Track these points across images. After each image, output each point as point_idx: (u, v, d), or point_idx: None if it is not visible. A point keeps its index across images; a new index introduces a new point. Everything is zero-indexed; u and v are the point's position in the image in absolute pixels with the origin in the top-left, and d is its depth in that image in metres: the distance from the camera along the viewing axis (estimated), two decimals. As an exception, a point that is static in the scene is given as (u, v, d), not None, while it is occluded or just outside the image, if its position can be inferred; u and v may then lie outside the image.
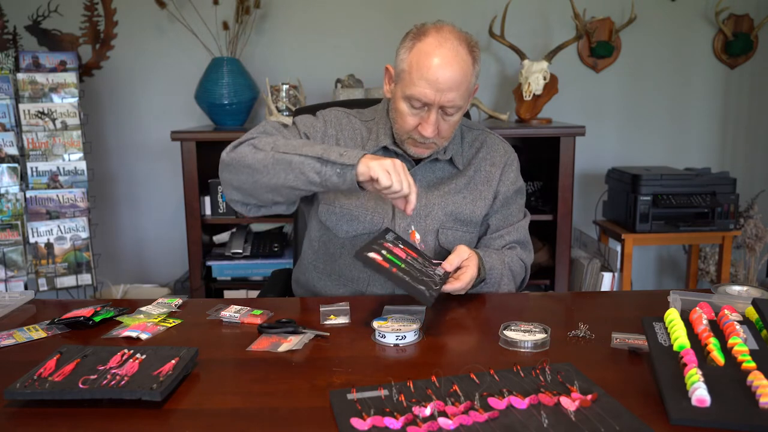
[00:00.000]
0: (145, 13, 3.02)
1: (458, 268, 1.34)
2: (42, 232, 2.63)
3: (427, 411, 0.85)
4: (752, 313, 1.09)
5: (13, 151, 2.60)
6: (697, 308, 1.10)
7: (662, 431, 0.83)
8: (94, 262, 2.73)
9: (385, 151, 1.49)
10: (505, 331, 1.14)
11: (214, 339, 1.19)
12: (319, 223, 1.52)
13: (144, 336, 1.18)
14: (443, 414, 0.85)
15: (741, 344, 0.96)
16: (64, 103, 2.67)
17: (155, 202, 3.20)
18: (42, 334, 1.20)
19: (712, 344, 0.97)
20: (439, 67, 1.32)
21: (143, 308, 1.32)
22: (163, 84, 3.09)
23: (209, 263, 2.76)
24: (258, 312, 1.28)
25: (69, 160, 2.67)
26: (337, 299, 1.37)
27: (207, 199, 2.73)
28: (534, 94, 2.76)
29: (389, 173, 1.20)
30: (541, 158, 2.78)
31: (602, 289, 2.61)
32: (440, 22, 1.38)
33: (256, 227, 2.99)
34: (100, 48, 3.07)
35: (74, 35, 3.07)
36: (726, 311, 1.07)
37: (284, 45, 3.07)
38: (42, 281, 2.64)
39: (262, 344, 1.14)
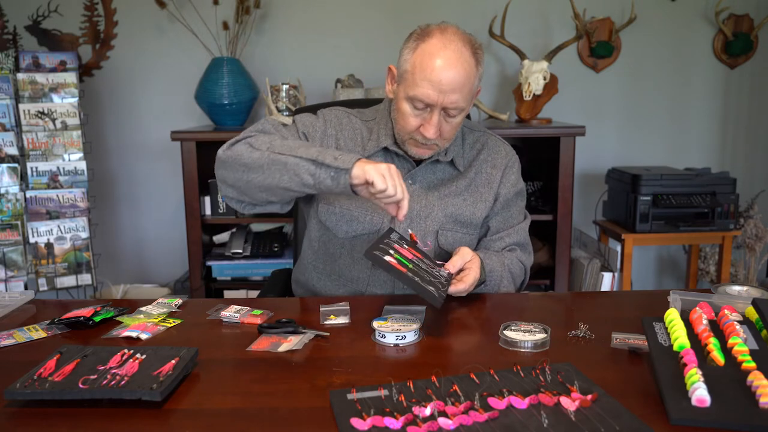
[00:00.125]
0: (145, 13, 3.02)
1: (460, 270, 1.34)
2: (42, 232, 2.63)
3: (427, 411, 0.85)
4: (752, 313, 1.09)
5: (13, 151, 2.60)
6: (697, 308, 1.10)
7: (662, 431, 0.83)
8: (94, 262, 2.73)
9: (386, 152, 1.49)
10: (505, 331, 1.14)
11: (214, 339, 1.19)
12: (318, 223, 1.52)
13: (144, 336, 1.18)
14: (443, 414, 0.85)
15: (741, 344, 0.96)
16: (64, 103, 2.67)
17: (155, 202, 3.20)
18: (42, 334, 1.20)
19: (712, 344, 0.97)
20: (442, 68, 1.31)
21: (143, 308, 1.32)
22: (163, 84, 3.09)
23: (209, 263, 2.76)
24: (258, 312, 1.28)
25: (69, 160, 2.67)
26: (337, 299, 1.37)
27: (207, 199, 2.73)
28: (534, 94, 2.76)
29: (384, 177, 1.19)
30: (541, 158, 2.78)
31: (602, 289, 2.61)
32: (444, 23, 1.38)
33: (256, 227, 2.99)
34: (100, 48, 3.07)
35: (74, 35, 3.07)
36: (726, 311, 1.07)
37: (284, 45, 3.07)
38: (42, 281, 2.64)
39: (262, 344, 1.14)
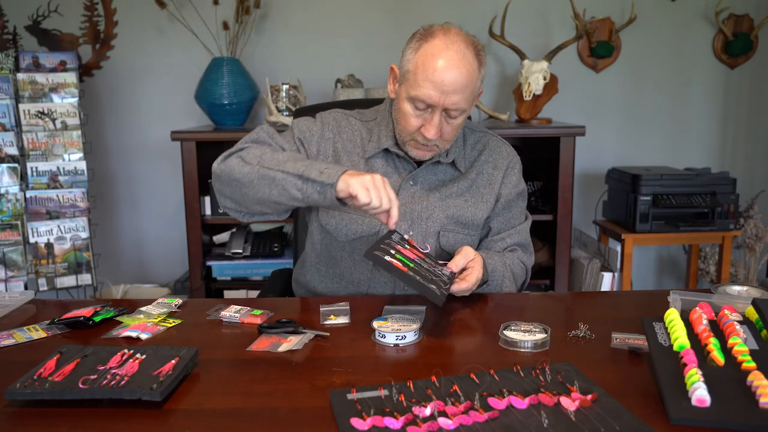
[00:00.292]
0: (145, 13, 3.02)
1: (463, 269, 1.34)
2: (42, 232, 2.63)
3: (427, 411, 0.85)
4: (752, 313, 1.09)
5: (13, 151, 2.60)
6: (697, 308, 1.10)
7: (662, 431, 0.83)
8: (94, 262, 2.73)
9: (387, 153, 1.49)
10: (505, 331, 1.14)
11: (214, 339, 1.19)
12: (319, 227, 1.52)
13: (144, 336, 1.18)
14: (443, 414, 0.85)
15: (741, 344, 0.96)
16: (64, 103, 2.67)
17: (155, 202, 3.20)
18: (42, 334, 1.20)
19: (712, 344, 0.97)
20: (444, 69, 1.31)
21: (143, 308, 1.32)
22: (163, 84, 3.09)
23: (209, 263, 2.76)
24: (258, 312, 1.28)
25: (69, 160, 2.67)
26: (337, 299, 1.37)
27: (207, 199, 2.73)
28: (534, 94, 2.76)
29: (368, 190, 1.20)
30: (541, 158, 2.78)
31: (602, 289, 2.61)
32: (448, 23, 1.37)
33: (256, 227, 2.99)
34: (100, 48, 3.07)
35: (74, 35, 3.07)
36: (726, 311, 1.07)
37: (284, 45, 3.07)
38: (42, 281, 2.64)
39: (262, 344, 1.14)
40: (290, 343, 1.14)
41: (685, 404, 0.85)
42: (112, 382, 0.93)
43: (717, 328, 1.04)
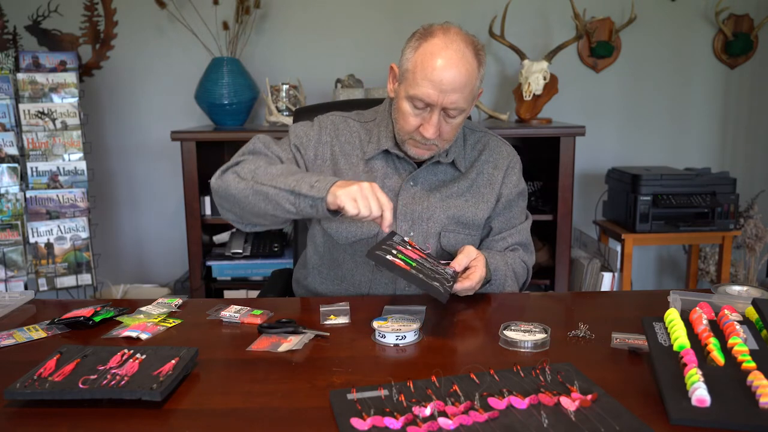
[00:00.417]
0: (145, 13, 3.02)
1: (466, 269, 1.34)
2: (42, 232, 2.63)
3: (427, 411, 0.85)
4: (752, 313, 1.09)
5: (13, 151, 2.60)
6: (697, 308, 1.10)
7: (662, 431, 0.83)
8: (94, 262, 2.73)
9: (387, 154, 1.49)
10: (505, 331, 1.14)
11: (214, 339, 1.19)
12: (321, 230, 1.52)
13: (144, 336, 1.18)
14: (443, 414, 0.85)
15: (741, 344, 0.96)
16: (64, 103, 2.67)
17: (155, 202, 3.20)
18: (42, 334, 1.20)
19: (712, 344, 0.97)
20: (443, 68, 1.31)
21: (143, 308, 1.32)
22: (163, 84, 3.09)
23: (209, 263, 2.76)
24: (258, 312, 1.28)
25: (69, 160, 2.67)
26: (337, 299, 1.37)
27: (207, 199, 2.73)
28: (534, 94, 2.76)
29: (355, 200, 1.22)
30: (541, 158, 2.78)
31: (602, 289, 2.61)
32: (448, 23, 1.37)
33: (256, 227, 2.99)
34: (100, 48, 3.07)
35: (74, 35, 3.07)
36: (726, 311, 1.07)
37: (284, 45, 3.07)
38: (42, 281, 2.64)
39: (262, 344, 1.14)
40: (290, 343, 1.14)
41: (685, 404, 0.85)
42: (112, 382, 0.93)
43: (717, 328, 1.04)
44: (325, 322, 1.24)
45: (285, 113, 2.78)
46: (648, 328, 1.06)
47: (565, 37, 2.90)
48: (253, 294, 2.72)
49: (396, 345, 1.13)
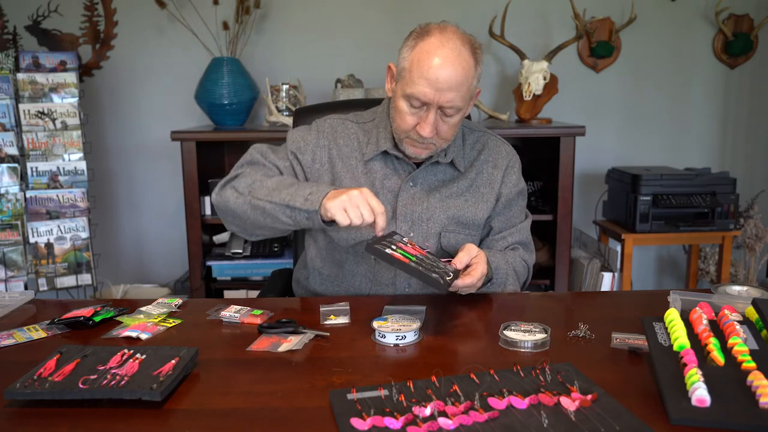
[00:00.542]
0: (145, 13, 3.02)
1: (467, 266, 1.34)
2: (42, 232, 2.63)
3: (427, 411, 0.85)
4: (752, 313, 1.09)
5: (13, 151, 2.60)
6: (697, 308, 1.10)
7: (662, 431, 0.83)
8: (94, 262, 2.73)
9: (386, 155, 1.49)
10: (505, 331, 1.14)
11: (214, 339, 1.19)
12: (322, 232, 1.52)
13: (144, 336, 1.18)
14: (443, 414, 0.85)
15: (741, 344, 0.96)
16: (64, 103, 2.67)
17: (155, 202, 3.20)
18: (42, 334, 1.20)
19: (712, 344, 0.97)
20: (439, 66, 1.31)
21: (143, 308, 1.32)
22: (163, 84, 3.09)
23: (209, 263, 2.76)
24: (258, 312, 1.28)
25: (69, 160, 2.67)
26: (337, 299, 1.37)
27: (207, 199, 2.72)
28: (534, 94, 2.76)
29: (345, 210, 1.24)
30: (541, 158, 2.78)
31: (602, 289, 2.61)
32: (444, 22, 1.38)
33: (256, 227, 2.99)
34: (100, 48, 3.07)
35: (74, 35, 3.07)
36: (726, 311, 1.07)
37: (284, 45, 3.07)
38: (42, 281, 2.64)
39: (262, 344, 1.14)
40: (290, 343, 1.14)
41: (685, 404, 0.85)
42: (112, 382, 0.93)
43: (717, 328, 1.04)
44: (325, 322, 1.24)
45: (285, 113, 2.78)
46: (648, 328, 1.06)
47: (565, 37, 2.90)
48: (253, 294, 2.72)
49: (396, 345, 1.13)
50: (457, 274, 1.29)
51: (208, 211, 2.74)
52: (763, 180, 3.23)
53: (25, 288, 2.60)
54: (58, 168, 2.66)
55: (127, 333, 1.19)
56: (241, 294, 2.76)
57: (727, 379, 0.90)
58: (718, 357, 0.94)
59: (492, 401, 0.87)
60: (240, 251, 2.77)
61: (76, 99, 2.69)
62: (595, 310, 1.39)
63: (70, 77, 2.69)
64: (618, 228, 2.82)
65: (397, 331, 1.14)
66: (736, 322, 1.03)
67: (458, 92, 1.33)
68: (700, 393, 0.85)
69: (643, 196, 2.69)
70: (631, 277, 2.88)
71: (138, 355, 1.01)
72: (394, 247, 1.24)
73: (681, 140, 3.20)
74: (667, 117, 3.18)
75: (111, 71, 3.09)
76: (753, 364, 0.92)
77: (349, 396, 0.91)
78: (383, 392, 0.91)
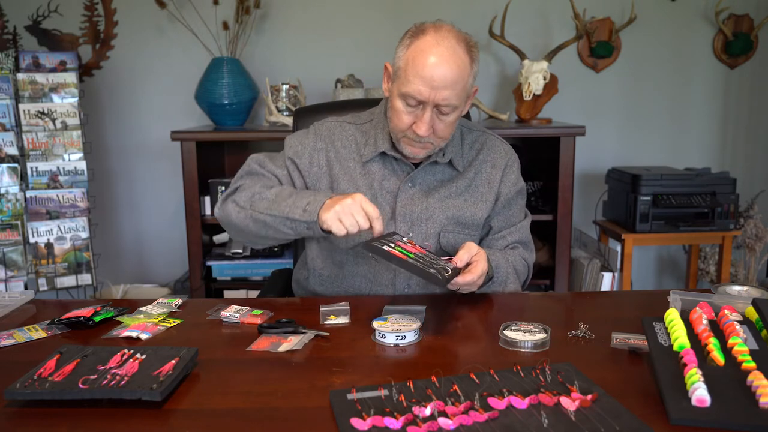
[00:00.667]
0: (145, 13, 3.02)
1: (468, 264, 1.34)
2: (42, 232, 2.63)
3: (427, 411, 0.85)
4: (752, 313, 1.09)
5: (13, 151, 2.60)
6: (697, 308, 1.10)
7: (662, 431, 0.83)
8: (94, 262, 2.73)
9: (384, 156, 1.49)
10: (505, 331, 1.14)
11: (214, 339, 1.19)
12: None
13: (144, 336, 1.18)
14: (443, 414, 0.85)
15: (741, 344, 0.96)
16: (64, 103, 2.67)
17: (155, 202, 3.20)
18: (42, 334, 1.20)
19: (712, 344, 0.97)
20: (434, 65, 1.31)
21: (143, 308, 1.32)
22: (163, 84, 3.09)
23: (209, 263, 2.76)
24: (258, 312, 1.28)
25: (69, 160, 2.67)
26: (337, 299, 1.37)
27: (207, 199, 2.73)
28: (534, 94, 2.76)
29: (340, 220, 1.26)
30: (541, 158, 2.78)
31: (602, 289, 2.61)
32: (440, 21, 1.38)
33: (256, 227, 2.99)
34: (100, 48, 3.07)
35: (74, 35, 3.07)
36: (726, 311, 1.07)
37: (284, 45, 3.07)
38: (42, 281, 2.64)
39: (262, 344, 1.14)
40: (290, 343, 1.14)
41: (685, 404, 0.85)
42: (112, 382, 0.93)
43: (717, 328, 1.04)
44: (325, 322, 1.24)
45: (285, 113, 2.78)
46: (648, 328, 1.06)
47: (565, 37, 2.90)
48: (253, 294, 2.72)
49: (396, 345, 1.13)
50: (457, 271, 1.29)
51: (208, 211, 2.74)
52: (763, 180, 3.23)
53: (25, 288, 2.60)
54: (58, 168, 2.66)
55: (127, 333, 1.19)
56: (241, 294, 2.76)
57: (727, 379, 0.90)
58: (718, 357, 0.94)
59: (492, 401, 0.87)
60: (240, 251, 2.77)
61: (76, 99, 2.69)
62: (595, 310, 1.39)
63: (70, 77, 2.69)
64: (618, 228, 2.82)
65: (397, 331, 1.14)
66: (736, 322, 1.03)
67: (453, 90, 1.33)
68: (700, 393, 0.85)
69: (643, 196, 2.69)
70: (631, 277, 2.88)
71: (138, 355, 1.01)
72: (392, 245, 1.24)
73: (681, 140, 3.20)
74: (667, 117, 3.18)
75: (111, 71, 3.09)
76: (753, 364, 0.92)
77: (349, 396, 0.91)
78: (383, 392, 0.91)
